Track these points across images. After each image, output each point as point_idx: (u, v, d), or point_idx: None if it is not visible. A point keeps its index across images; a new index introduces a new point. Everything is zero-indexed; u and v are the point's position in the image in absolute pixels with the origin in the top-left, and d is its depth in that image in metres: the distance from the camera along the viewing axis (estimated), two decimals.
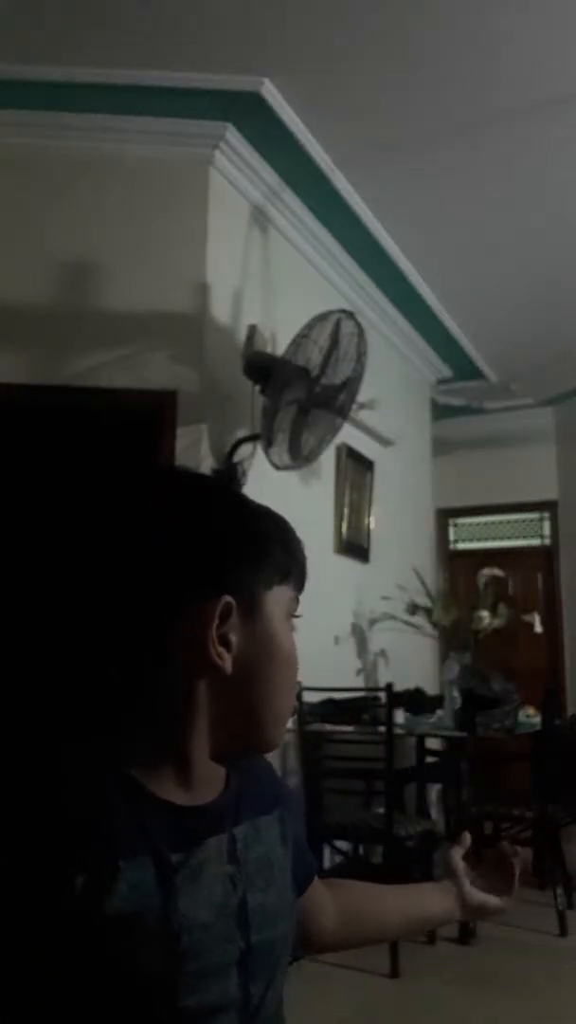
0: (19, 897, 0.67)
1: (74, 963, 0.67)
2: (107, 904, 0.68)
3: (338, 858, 3.74)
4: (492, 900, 1.06)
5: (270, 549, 0.82)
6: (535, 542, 6.87)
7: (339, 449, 4.43)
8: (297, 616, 0.86)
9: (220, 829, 0.79)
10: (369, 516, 4.82)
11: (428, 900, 1.06)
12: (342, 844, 3.72)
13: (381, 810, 3.49)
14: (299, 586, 0.86)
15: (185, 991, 0.71)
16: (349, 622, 4.54)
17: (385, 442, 5.02)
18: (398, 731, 3.73)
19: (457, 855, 1.08)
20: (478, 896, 1.05)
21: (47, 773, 0.74)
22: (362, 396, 3.65)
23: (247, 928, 0.77)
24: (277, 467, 3.29)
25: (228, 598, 0.77)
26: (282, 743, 0.82)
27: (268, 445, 3.22)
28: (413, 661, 5.07)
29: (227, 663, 0.76)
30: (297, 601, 0.86)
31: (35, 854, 0.68)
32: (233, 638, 0.77)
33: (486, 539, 7.04)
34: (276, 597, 0.82)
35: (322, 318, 3.27)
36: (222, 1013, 0.74)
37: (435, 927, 1.25)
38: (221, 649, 0.76)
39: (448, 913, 1.06)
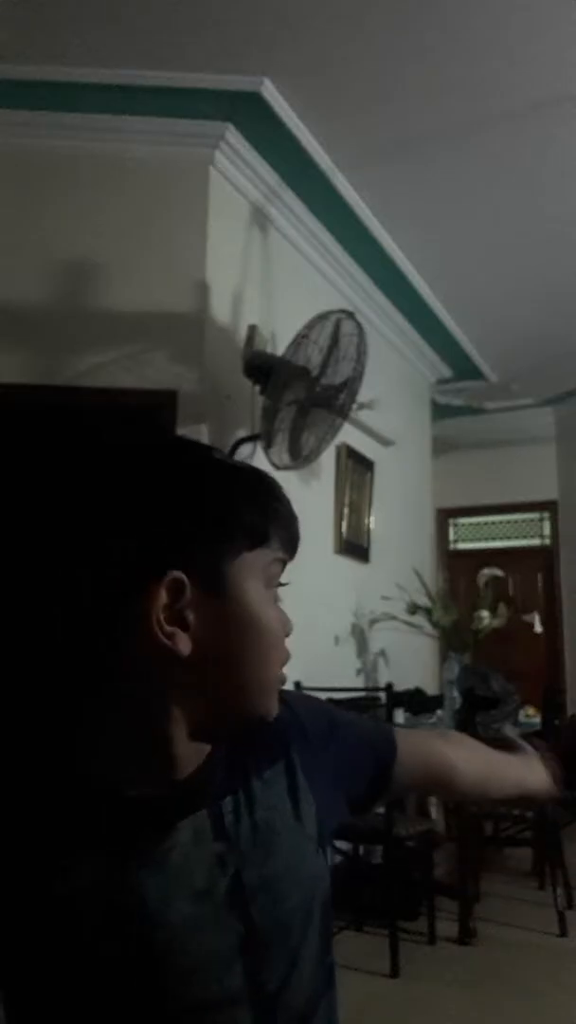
0: None
1: (54, 973, 0.68)
2: (57, 904, 0.67)
3: (338, 858, 3.73)
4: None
5: (235, 513, 0.74)
6: (535, 542, 6.88)
7: (339, 449, 4.42)
8: (282, 584, 0.78)
9: (198, 807, 0.73)
10: (369, 516, 4.82)
11: (536, 778, 1.13)
12: (342, 844, 3.71)
13: (381, 810, 3.48)
14: (285, 547, 0.77)
15: (176, 989, 0.68)
16: (349, 622, 4.54)
17: (385, 442, 5.02)
18: None
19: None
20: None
21: None
22: (362, 396, 3.64)
23: (245, 908, 0.72)
24: (277, 467, 3.28)
25: (177, 574, 0.70)
26: (276, 709, 0.76)
27: (268, 445, 3.22)
28: (413, 661, 5.07)
29: (180, 643, 0.70)
30: (282, 564, 0.77)
31: None
32: (191, 615, 0.71)
33: (486, 539, 7.04)
34: (249, 564, 0.74)
35: (322, 318, 3.26)
36: (230, 1006, 0.69)
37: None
38: (172, 628, 0.70)
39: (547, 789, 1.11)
